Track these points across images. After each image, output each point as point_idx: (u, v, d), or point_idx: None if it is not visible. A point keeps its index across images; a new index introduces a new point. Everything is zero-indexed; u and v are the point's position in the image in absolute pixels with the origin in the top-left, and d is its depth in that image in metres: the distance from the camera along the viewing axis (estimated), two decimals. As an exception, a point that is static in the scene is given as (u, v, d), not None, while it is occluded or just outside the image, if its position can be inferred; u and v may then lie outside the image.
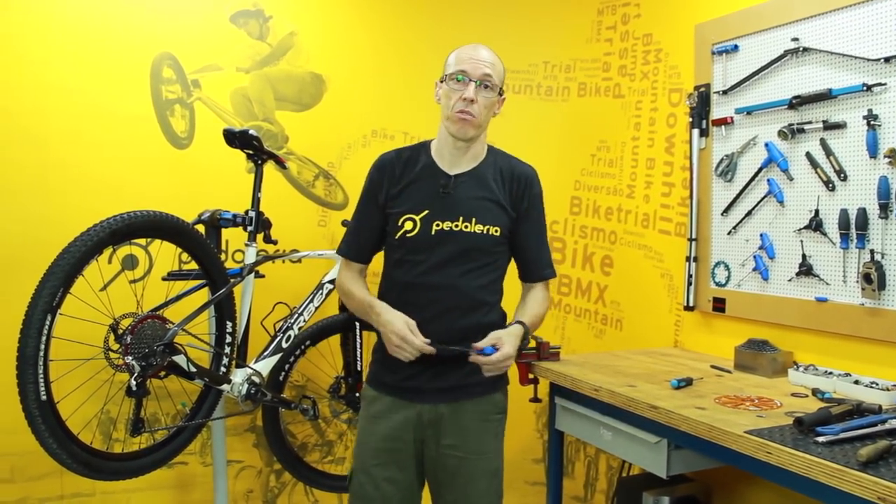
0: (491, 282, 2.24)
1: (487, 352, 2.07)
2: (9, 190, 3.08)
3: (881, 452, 1.73)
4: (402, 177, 2.25)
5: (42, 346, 2.09)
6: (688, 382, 2.50)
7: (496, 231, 2.18)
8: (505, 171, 2.24)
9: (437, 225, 2.17)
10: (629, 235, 3.58)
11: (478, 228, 2.17)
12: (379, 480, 2.23)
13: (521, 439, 3.95)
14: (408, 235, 2.20)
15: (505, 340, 2.08)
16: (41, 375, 2.09)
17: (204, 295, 2.76)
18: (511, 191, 2.23)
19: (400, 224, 2.21)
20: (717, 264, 3.04)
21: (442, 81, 2.22)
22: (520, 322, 2.18)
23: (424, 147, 2.31)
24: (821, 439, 1.85)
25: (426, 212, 2.19)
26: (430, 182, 2.22)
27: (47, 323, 2.09)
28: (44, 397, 2.10)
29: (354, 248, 2.37)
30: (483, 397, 2.24)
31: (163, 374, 2.41)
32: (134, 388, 2.25)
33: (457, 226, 2.17)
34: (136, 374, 2.24)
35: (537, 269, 2.30)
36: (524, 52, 3.93)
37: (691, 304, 3.13)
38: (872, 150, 2.41)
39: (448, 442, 2.18)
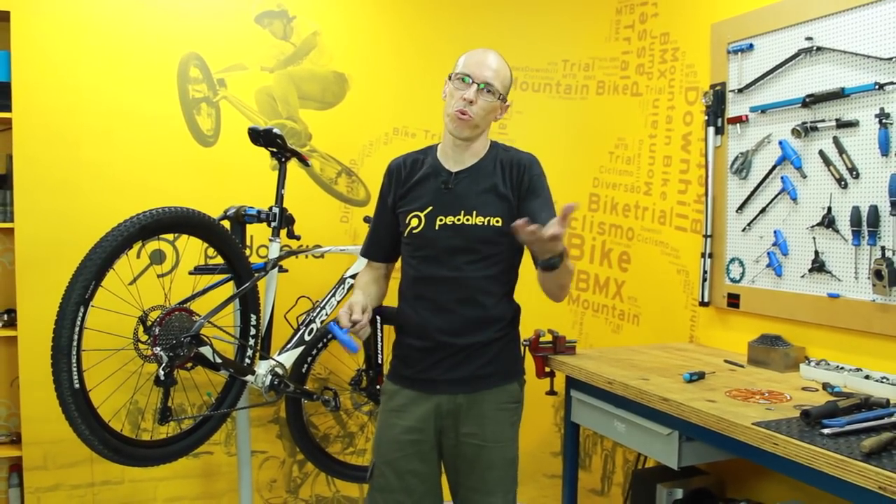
0: (498, 273, 2.27)
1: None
2: (42, 188, 3.19)
3: (884, 444, 1.77)
4: (408, 178, 2.34)
5: (75, 337, 2.17)
6: (700, 376, 2.55)
7: (497, 222, 2.22)
8: (505, 161, 2.30)
9: (441, 220, 2.24)
10: (646, 232, 3.63)
11: (479, 221, 2.22)
12: (403, 472, 2.29)
13: (540, 433, 4.00)
14: (414, 231, 2.28)
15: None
16: (74, 364, 2.18)
17: (229, 288, 2.85)
18: (511, 176, 2.27)
19: (408, 221, 2.29)
20: (732, 260, 3.08)
21: (450, 79, 2.30)
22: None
23: (431, 150, 2.39)
24: (826, 431, 1.90)
25: (430, 208, 2.27)
26: (433, 180, 2.30)
27: (80, 314, 2.18)
28: (77, 385, 2.18)
29: (372, 249, 2.48)
30: (499, 387, 2.29)
31: (189, 365, 2.48)
32: (162, 378, 2.33)
33: (459, 220, 2.23)
34: (164, 365, 2.32)
35: None
36: (544, 51, 3.97)
37: (706, 299, 3.17)
38: (884, 148, 2.44)
39: (467, 430, 2.25)
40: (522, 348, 2.93)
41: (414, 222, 2.28)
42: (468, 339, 2.23)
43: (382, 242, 2.44)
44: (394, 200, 2.37)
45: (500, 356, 2.30)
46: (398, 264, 2.46)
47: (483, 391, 2.27)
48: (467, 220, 2.23)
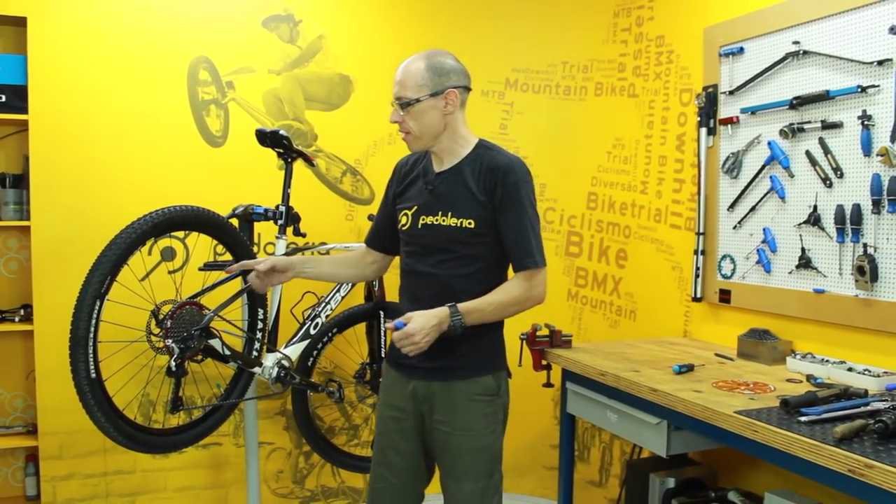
0: (474, 272, 2.32)
1: (398, 325, 2.17)
2: (57, 187, 3.31)
3: (856, 430, 1.87)
4: (405, 177, 2.45)
5: (92, 329, 2.28)
6: (689, 368, 2.64)
7: (470, 223, 2.29)
8: (483, 164, 2.32)
9: (423, 219, 2.35)
10: (642, 230, 3.72)
11: (452, 222, 2.30)
12: (385, 447, 2.44)
13: (540, 426, 4.10)
14: (403, 228, 2.41)
15: (414, 318, 2.18)
16: (91, 355, 2.28)
17: (237, 284, 2.94)
18: (485, 182, 2.30)
19: (399, 218, 2.42)
20: (724, 257, 3.17)
21: None
22: (450, 305, 2.23)
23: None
24: (803, 419, 2.00)
25: (416, 207, 2.37)
26: (421, 181, 2.40)
27: (96, 307, 2.29)
28: (93, 375, 2.29)
29: (371, 236, 2.61)
30: (471, 379, 2.35)
31: (199, 357, 2.59)
32: (173, 369, 2.44)
33: (436, 220, 2.32)
34: (175, 356, 2.43)
35: (518, 260, 2.32)
36: (544, 53, 4.07)
37: (699, 295, 3.26)
38: (866, 149, 2.53)
39: (439, 417, 2.35)
40: (520, 342, 3.05)
41: (403, 220, 2.40)
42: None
43: (381, 233, 2.57)
44: (393, 197, 2.49)
45: (474, 350, 2.34)
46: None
47: (455, 381, 2.33)
48: (443, 220, 2.32)
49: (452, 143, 2.35)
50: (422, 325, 2.17)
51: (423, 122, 2.29)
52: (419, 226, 2.35)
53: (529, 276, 2.30)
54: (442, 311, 2.21)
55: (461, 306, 2.23)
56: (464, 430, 2.32)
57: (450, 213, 2.30)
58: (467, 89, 2.38)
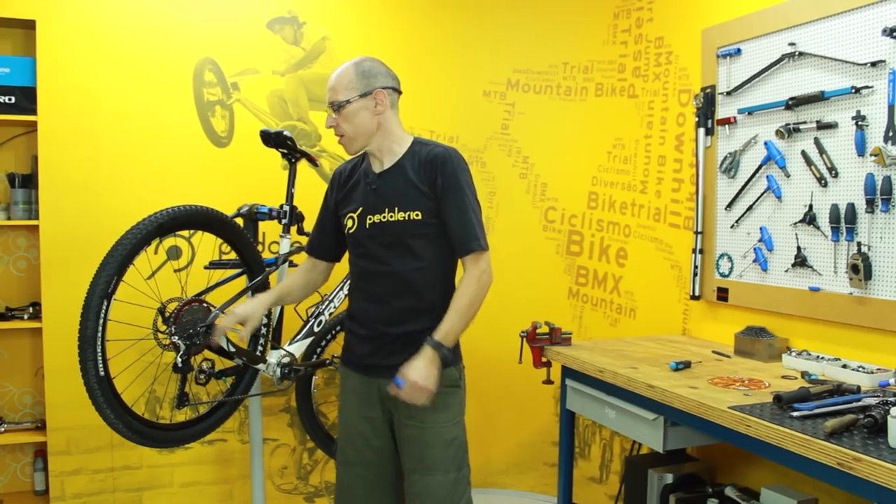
0: (429, 264, 2.38)
1: (398, 384, 2.24)
2: (66, 187, 3.36)
3: (846, 425, 1.91)
4: (345, 183, 2.52)
5: (100, 328, 2.32)
6: (686, 365, 2.69)
7: (417, 215, 2.35)
8: (421, 158, 2.39)
9: (370, 219, 2.40)
10: (642, 229, 3.76)
11: (400, 216, 2.36)
12: (360, 447, 2.48)
13: (540, 423, 4.14)
14: (350, 232, 2.46)
15: (408, 373, 2.23)
16: (99, 353, 2.33)
17: (242, 282, 3.00)
18: (426, 174, 2.37)
19: (345, 223, 2.47)
20: (721, 256, 3.21)
21: None
22: (427, 340, 2.28)
23: (367, 155, 2.51)
24: (795, 414, 2.04)
25: (361, 209, 2.43)
26: (363, 183, 2.45)
27: (104, 307, 2.33)
28: (102, 373, 2.33)
29: (314, 247, 2.67)
30: None
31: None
32: (180, 365, 2.49)
33: (384, 217, 2.38)
34: (181, 353, 2.48)
35: (462, 245, 2.36)
36: (545, 54, 4.11)
37: (697, 293, 3.30)
38: (860, 149, 2.57)
39: (406, 412, 2.39)
40: (520, 339, 3.10)
41: (349, 223, 2.45)
42: (403, 328, 2.37)
43: (324, 242, 2.63)
44: (335, 203, 2.54)
45: None
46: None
47: None
48: (391, 216, 2.37)
49: (389, 142, 2.42)
50: (420, 373, 2.23)
51: (355, 123, 2.37)
52: (367, 226, 2.40)
53: (475, 261, 2.35)
54: (427, 352, 2.26)
55: (437, 336, 2.28)
56: (432, 423, 2.37)
57: (396, 209, 2.37)
58: (396, 91, 2.46)
